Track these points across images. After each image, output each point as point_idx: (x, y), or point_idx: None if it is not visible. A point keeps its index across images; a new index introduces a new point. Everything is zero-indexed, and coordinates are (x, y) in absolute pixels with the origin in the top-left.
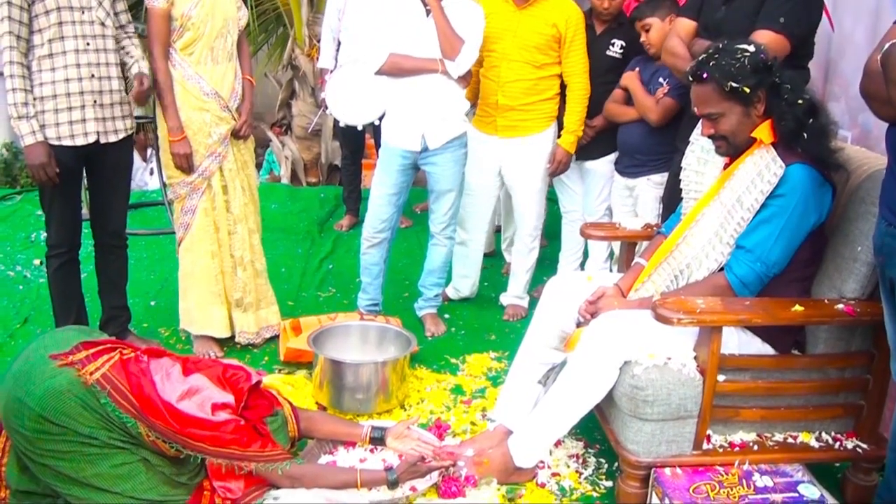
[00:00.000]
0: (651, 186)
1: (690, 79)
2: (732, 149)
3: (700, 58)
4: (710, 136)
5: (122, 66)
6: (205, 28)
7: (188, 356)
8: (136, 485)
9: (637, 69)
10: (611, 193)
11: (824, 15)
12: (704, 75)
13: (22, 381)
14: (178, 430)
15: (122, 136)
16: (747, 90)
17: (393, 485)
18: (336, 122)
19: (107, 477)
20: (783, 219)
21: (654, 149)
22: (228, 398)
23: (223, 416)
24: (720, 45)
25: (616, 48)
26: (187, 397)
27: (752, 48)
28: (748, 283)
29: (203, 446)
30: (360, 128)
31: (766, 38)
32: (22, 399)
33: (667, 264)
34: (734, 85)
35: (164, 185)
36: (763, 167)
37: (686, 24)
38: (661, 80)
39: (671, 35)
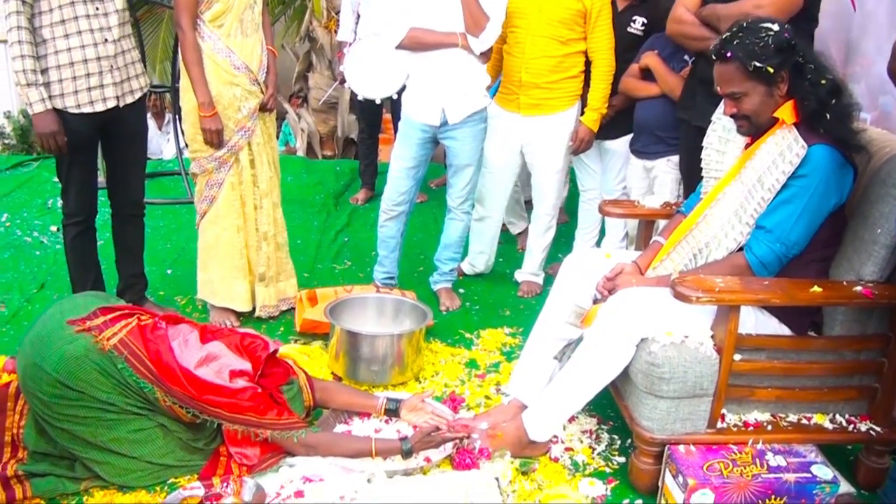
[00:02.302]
0: (671, 167)
1: (714, 57)
2: (754, 128)
3: (723, 36)
4: (732, 116)
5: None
6: None
7: (206, 324)
8: (153, 450)
9: (656, 50)
10: (627, 176)
11: None
12: (728, 54)
13: (39, 346)
14: (195, 396)
15: (138, 95)
16: (771, 70)
17: (407, 454)
18: (353, 95)
19: (124, 442)
20: (804, 199)
21: (675, 124)
22: (246, 366)
23: (240, 383)
24: (744, 24)
25: (637, 25)
26: (205, 364)
27: (776, 27)
28: (767, 264)
29: (220, 412)
30: (378, 102)
31: None
32: (39, 364)
33: (686, 243)
34: (758, 64)
35: (180, 153)
36: (785, 147)
37: None
38: (685, 57)
39: (676, 6)
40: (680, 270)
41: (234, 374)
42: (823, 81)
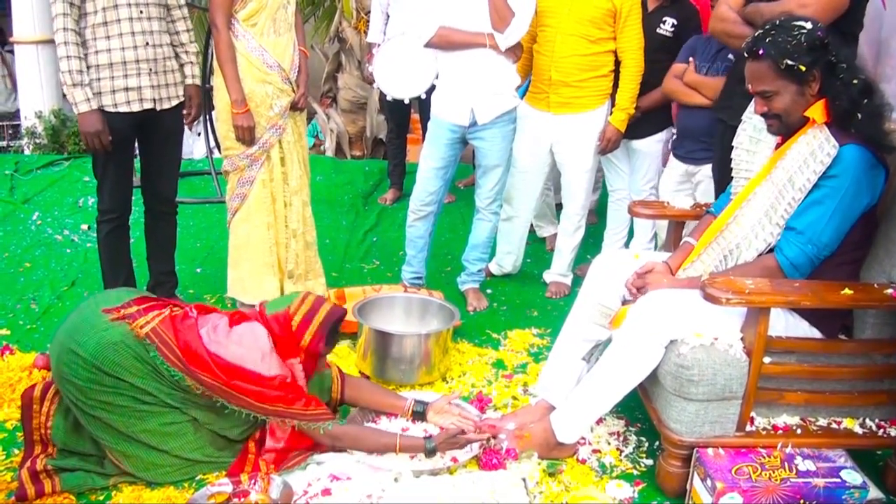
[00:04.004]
0: None
1: (745, 55)
2: (785, 128)
3: (756, 34)
4: (762, 115)
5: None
6: None
7: (236, 311)
8: (183, 444)
9: (696, 52)
10: (658, 175)
11: None
12: (760, 52)
13: (75, 334)
14: (224, 381)
15: (174, 102)
16: (803, 68)
17: (430, 452)
18: (382, 96)
19: (155, 433)
20: (835, 200)
21: None
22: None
23: (274, 362)
24: (776, 22)
25: (667, 26)
26: (239, 343)
27: (808, 25)
28: (798, 265)
29: (248, 401)
30: (406, 102)
31: None
32: (75, 350)
33: (716, 244)
34: (790, 63)
35: (210, 153)
36: (816, 147)
37: None
38: (729, 55)
39: (720, 3)
40: (710, 272)
41: (267, 355)
42: (855, 81)
